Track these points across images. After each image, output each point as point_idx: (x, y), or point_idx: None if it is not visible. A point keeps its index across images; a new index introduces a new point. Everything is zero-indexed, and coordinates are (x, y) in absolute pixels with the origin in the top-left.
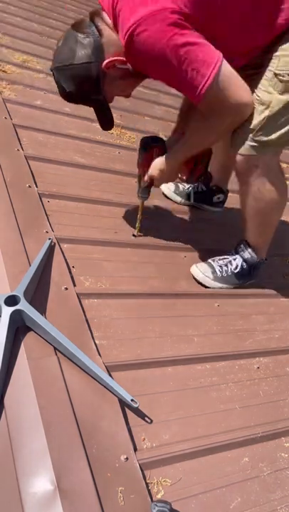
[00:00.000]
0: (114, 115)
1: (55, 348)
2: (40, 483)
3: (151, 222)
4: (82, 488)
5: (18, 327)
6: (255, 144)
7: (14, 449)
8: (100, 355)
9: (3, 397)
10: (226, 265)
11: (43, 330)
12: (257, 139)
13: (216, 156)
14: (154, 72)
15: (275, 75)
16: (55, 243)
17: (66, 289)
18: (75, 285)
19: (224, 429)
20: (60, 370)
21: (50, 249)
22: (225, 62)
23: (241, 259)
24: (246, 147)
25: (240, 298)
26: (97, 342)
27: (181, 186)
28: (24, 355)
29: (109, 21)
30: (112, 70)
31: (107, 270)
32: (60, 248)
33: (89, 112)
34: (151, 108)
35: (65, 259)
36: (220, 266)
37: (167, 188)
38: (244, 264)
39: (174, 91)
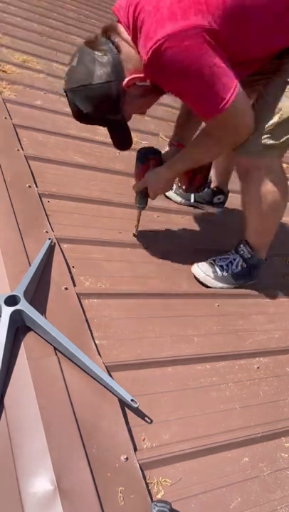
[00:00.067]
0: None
1: (55, 348)
2: (40, 483)
3: (151, 222)
4: (82, 488)
5: (18, 327)
6: (260, 147)
7: (14, 449)
8: (100, 355)
9: (3, 397)
10: (227, 265)
11: (43, 330)
12: (263, 142)
13: (217, 159)
14: (173, 87)
15: (287, 82)
16: (55, 243)
17: (66, 289)
18: (75, 285)
19: (224, 429)
20: (60, 370)
21: (50, 249)
22: (241, 89)
23: (241, 259)
24: (250, 149)
25: (240, 298)
26: (97, 342)
27: None
28: (24, 355)
29: (127, 35)
30: (132, 88)
31: (107, 270)
32: (60, 248)
33: None
34: (152, 108)
35: (65, 259)
36: (220, 266)
37: None
38: (244, 263)
39: None
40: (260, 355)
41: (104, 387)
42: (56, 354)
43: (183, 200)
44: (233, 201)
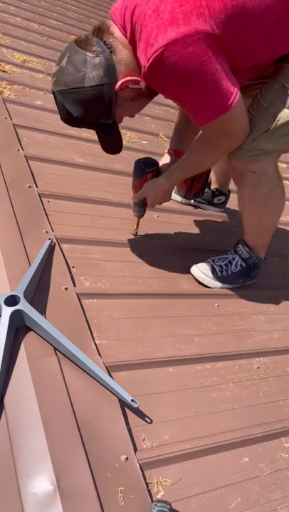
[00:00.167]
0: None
1: (55, 348)
2: (40, 483)
3: (151, 222)
4: (82, 488)
5: (18, 327)
6: (255, 152)
7: (14, 449)
8: (100, 355)
9: (3, 397)
10: (226, 265)
11: (43, 330)
12: (258, 147)
13: (217, 162)
14: (173, 93)
15: (284, 87)
16: (55, 243)
17: (66, 289)
18: (75, 285)
19: (224, 429)
20: (60, 370)
21: (50, 249)
22: (240, 96)
23: (240, 259)
24: (245, 154)
25: (240, 298)
26: (97, 342)
27: None
28: (24, 355)
29: (121, 36)
30: (124, 91)
31: (107, 270)
32: (60, 248)
33: None
34: (152, 108)
35: (65, 259)
36: (220, 266)
37: None
38: (243, 263)
39: None
40: (260, 355)
41: (105, 387)
42: (56, 354)
43: (184, 200)
44: (234, 201)
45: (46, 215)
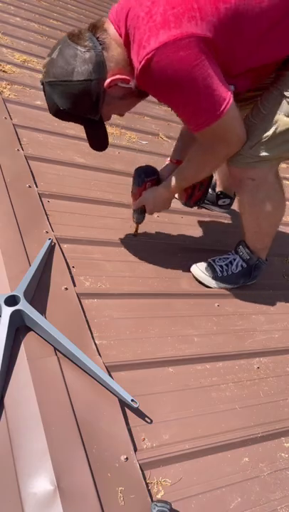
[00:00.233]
0: (113, 115)
1: (55, 348)
2: (40, 483)
3: (151, 222)
4: (82, 488)
5: (18, 327)
6: (253, 160)
7: (14, 449)
8: (100, 355)
9: (3, 397)
10: (227, 265)
11: (43, 330)
12: (256, 154)
13: (220, 168)
14: (165, 98)
15: (283, 96)
16: (55, 243)
17: (66, 289)
18: (75, 285)
19: (224, 429)
20: (60, 370)
21: (50, 249)
22: (233, 102)
23: (241, 260)
24: (243, 160)
25: (240, 298)
26: (97, 342)
27: None
28: (24, 355)
29: (115, 34)
30: (112, 89)
31: (107, 270)
32: (60, 248)
33: None
34: (151, 108)
35: (65, 259)
36: (220, 266)
37: None
38: (244, 264)
39: None
40: (260, 355)
41: (105, 387)
42: (56, 354)
43: None
44: (235, 201)
45: (46, 215)
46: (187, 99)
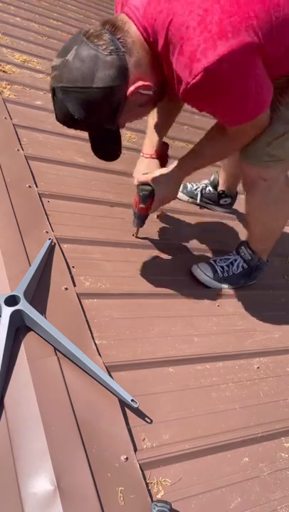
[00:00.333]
0: None
1: (55, 348)
2: (40, 483)
3: (152, 222)
4: (82, 488)
5: (18, 327)
6: (268, 158)
7: (14, 449)
8: (100, 355)
9: (3, 397)
10: (228, 266)
11: (43, 330)
12: (272, 153)
13: (224, 166)
14: (211, 107)
15: None
16: (55, 243)
17: (66, 289)
18: (75, 285)
19: (224, 429)
20: (60, 370)
21: (50, 250)
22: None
23: (242, 260)
24: (258, 159)
25: (241, 298)
26: (97, 342)
27: (189, 185)
28: (24, 355)
29: (139, 36)
30: (134, 96)
31: (107, 270)
32: (60, 248)
33: None
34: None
35: (65, 259)
36: (221, 266)
37: None
38: (245, 265)
39: None
40: (260, 355)
41: (105, 387)
42: (56, 354)
43: (190, 199)
44: (236, 202)
45: (46, 215)
46: (235, 106)
